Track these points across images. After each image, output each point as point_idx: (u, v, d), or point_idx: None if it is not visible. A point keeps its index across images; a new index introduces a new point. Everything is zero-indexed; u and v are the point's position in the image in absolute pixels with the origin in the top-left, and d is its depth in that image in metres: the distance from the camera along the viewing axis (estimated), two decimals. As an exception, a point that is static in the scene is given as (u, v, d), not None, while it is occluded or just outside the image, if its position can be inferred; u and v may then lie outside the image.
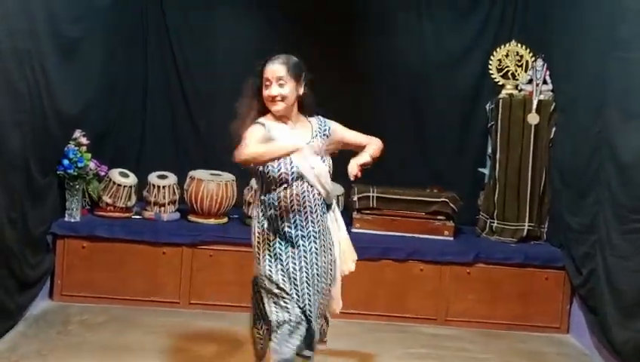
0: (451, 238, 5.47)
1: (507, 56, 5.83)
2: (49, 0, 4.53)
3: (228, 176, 5.44)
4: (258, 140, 3.19)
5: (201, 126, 6.19)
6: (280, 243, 3.32)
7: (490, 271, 5.13)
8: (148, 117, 6.22)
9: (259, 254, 3.36)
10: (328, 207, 3.47)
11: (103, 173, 5.25)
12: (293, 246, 3.30)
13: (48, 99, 4.61)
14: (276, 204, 3.29)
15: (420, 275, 5.10)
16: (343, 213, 5.47)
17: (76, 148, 4.97)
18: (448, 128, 6.26)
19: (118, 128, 6.04)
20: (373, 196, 5.47)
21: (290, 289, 3.26)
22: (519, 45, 5.82)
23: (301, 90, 3.41)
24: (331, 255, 3.44)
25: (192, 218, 5.39)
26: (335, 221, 3.53)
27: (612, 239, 4.32)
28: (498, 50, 5.85)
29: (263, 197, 3.36)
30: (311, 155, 3.31)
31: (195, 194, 5.30)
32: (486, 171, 5.86)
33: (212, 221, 5.34)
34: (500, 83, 5.82)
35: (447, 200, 5.45)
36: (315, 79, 6.08)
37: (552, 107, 5.48)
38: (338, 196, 5.48)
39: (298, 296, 3.26)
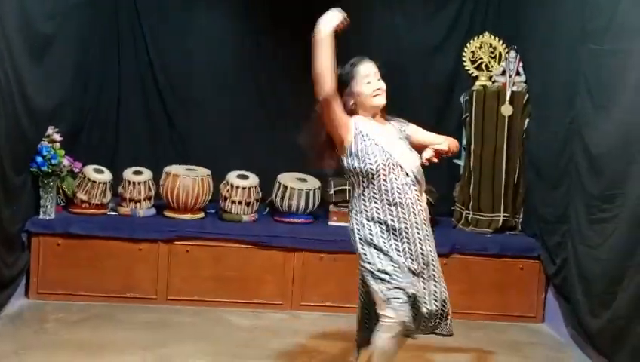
0: (427, 230, 5.49)
1: (480, 48, 5.87)
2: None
3: (204, 171, 5.43)
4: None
5: (177, 121, 6.16)
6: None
7: (466, 262, 5.17)
8: (122, 113, 6.18)
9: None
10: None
11: (77, 170, 5.22)
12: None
13: (20, 96, 4.57)
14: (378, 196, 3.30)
15: (396, 267, 5.12)
16: (319, 207, 5.57)
17: (49, 145, 4.93)
18: (423, 120, 6.16)
19: (92, 124, 6.01)
20: (349, 189, 5.47)
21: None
22: (492, 37, 5.86)
23: None
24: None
25: (168, 214, 5.36)
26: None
27: (582, 228, 4.37)
28: (471, 42, 5.89)
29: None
30: (400, 144, 3.41)
31: (171, 189, 5.28)
32: (461, 163, 5.89)
33: (188, 216, 5.32)
34: (474, 75, 5.86)
35: (423, 192, 5.46)
36: (292, 76, 6.14)
37: (526, 98, 5.53)
38: (315, 190, 5.49)
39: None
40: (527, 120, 5.51)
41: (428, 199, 3.74)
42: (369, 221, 3.32)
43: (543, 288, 5.17)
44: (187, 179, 5.30)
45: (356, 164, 3.32)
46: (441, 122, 6.27)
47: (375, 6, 6.27)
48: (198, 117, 6.19)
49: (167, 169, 5.40)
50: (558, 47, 4.95)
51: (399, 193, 3.30)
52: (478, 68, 5.86)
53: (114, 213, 5.37)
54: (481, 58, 5.85)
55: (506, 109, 5.53)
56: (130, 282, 5.03)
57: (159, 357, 4.09)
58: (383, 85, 3.43)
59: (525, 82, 5.59)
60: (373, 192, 3.31)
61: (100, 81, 6.05)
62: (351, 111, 3.43)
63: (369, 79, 3.41)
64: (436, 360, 4.33)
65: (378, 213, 3.30)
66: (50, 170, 4.91)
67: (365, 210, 3.34)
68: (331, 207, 5.51)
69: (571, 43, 4.70)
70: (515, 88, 5.56)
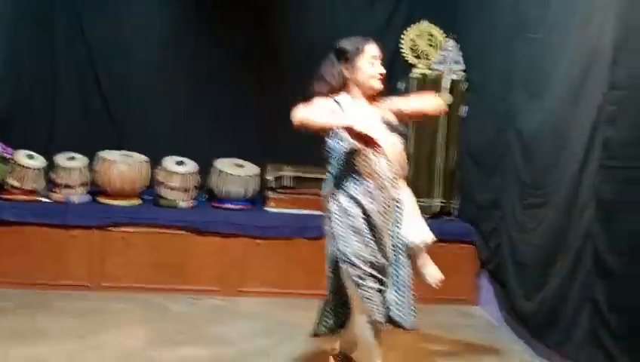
0: (366, 216, 5.53)
1: (419, 36, 5.91)
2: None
3: (140, 157, 5.35)
4: (325, 107, 3.28)
5: (112, 106, 6.06)
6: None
7: (403, 247, 5.21)
8: (57, 98, 6.05)
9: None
10: None
11: (8, 156, 5.07)
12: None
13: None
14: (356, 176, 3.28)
15: (335, 253, 5.14)
16: (258, 193, 5.55)
17: (-20, 130, 4.79)
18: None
19: (26, 110, 5.85)
20: (287, 175, 5.47)
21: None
22: (431, 25, 5.90)
23: None
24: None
25: (102, 200, 5.27)
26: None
27: (515, 214, 4.46)
28: (410, 30, 5.92)
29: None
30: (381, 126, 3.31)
31: (106, 175, 5.19)
32: (399, 149, 5.92)
33: (124, 202, 5.24)
34: (413, 62, 5.90)
35: (361, 178, 5.49)
36: (230, 62, 6.09)
37: (464, 86, 5.59)
38: (253, 176, 5.47)
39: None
40: (464, 107, 5.58)
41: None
42: (348, 201, 3.29)
43: (478, 272, 5.26)
44: (123, 165, 5.21)
45: (338, 144, 3.30)
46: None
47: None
48: (134, 102, 6.09)
49: (102, 154, 5.30)
50: (496, 37, 5.02)
51: (379, 176, 3.28)
52: (417, 56, 5.90)
53: (46, 199, 5.24)
54: (420, 46, 5.89)
55: (445, 97, 5.58)
56: (63, 269, 4.93)
57: (95, 344, 4.02)
58: (383, 70, 3.41)
59: (464, 71, 5.65)
60: (352, 172, 3.29)
61: (34, 65, 5.90)
62: (342, 84, 3.41)
63: (375, 60, 3.41)
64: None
65: (357, 194, 3.27)
66: (-20, 156, 4.78)
67: (344, 190, 3.30)
68: (269, 193, 5.50)
69: (508, 32, 4.78)
70: (453, 76, 5.62)
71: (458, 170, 5.62)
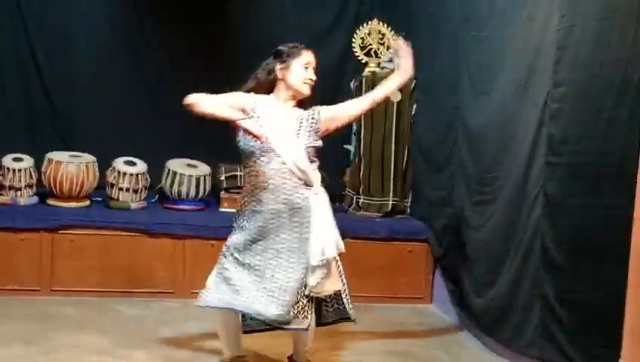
0: (319, 215, 5.53)
1: (370, 34, 5.94)
2: None
3: (88, 158, 5.27)
4: (235, 105, 3.45)
5: (59, 106, 5.95)
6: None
7: (356, 246, 5.19)
8: (1, 98, 5.90)
9: None
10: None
11: (-48, 157, 4.95)
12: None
13: None
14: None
15: (288, 252, 5.13)
16: (210, 193, 5.51)
17: None
18: (313, 105, 6.29)
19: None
20: (240, 175, 5.44)
21: None
22: (381, 23, 5.94)
23: None
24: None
25: (51, 202, 5.17)
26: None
27: (465, 211, 4.52)
28: (360, 28, 5.95)
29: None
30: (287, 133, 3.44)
31: (54, 176, 5.10)
32: (351, 148, 5.96)
33: (73, 204, 5.15)
34: (364, 61, 5.92)
35: (314, 177, 5.49)
36: (179, 61, 6.03)
37: (413, 85, 5.63)
38: (205, 176, 5.43)
39: None
40: (414, 106, 5.63)
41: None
42: (244, 197, 3.52)
43: (431, 270, 5.30)
44: (71, 166, 5.13)
45: (241, 142, 3.45)
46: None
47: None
48: (82, 102, 6.00)
49: (50, 155, 5.21)
50: (443, 34, 5.08)
51: (270, 178, 3.38)
52: (368, 54, 5.93)
53: (-9, 202, 5.13)
54: (371, 44, 5.92)
55: (394, 95, 5.60)
56: (11, 273, 4.83)
57: (45, 349, 3.94)
58: (314, 78, 3.56)
59: (413, 68, 5.69)
60: (250, 172, 3.45)
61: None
62: (270, 82, 3.54)
63: (309, 66, 3.54)
64: (326, 343, 4.36)
65: (250, 194, 3.46)
66: None
67: (245, 189, 3.53)
68: (222, 193, 5.47)
69: (454, 30, 4.84)
70: (403, 74, 5.65)
71: (410, 168, 5.66)
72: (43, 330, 4.22)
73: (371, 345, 4.42)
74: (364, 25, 5.95)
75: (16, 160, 5.18)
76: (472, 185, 4.41)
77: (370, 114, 5.64)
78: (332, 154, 6.20)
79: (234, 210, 5.29)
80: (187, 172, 5.36)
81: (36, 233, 4.84)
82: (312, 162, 3.56)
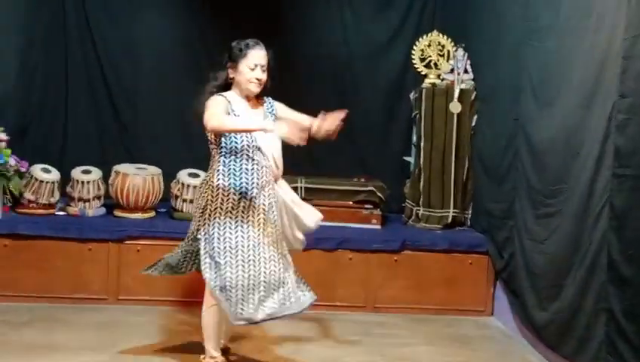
0: (379, 226, 5.55)
1: (429, 45, 5.94)
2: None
3: (154, 170, 5.39)
4: (224, 111, 3.57)
5: (126, 120, 6.11)
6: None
7: (416, 258, 5.23)
8: (70, 110, 6.11)
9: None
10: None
11: (24, 170, 5.12)
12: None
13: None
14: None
15: (349, 264, 5.16)
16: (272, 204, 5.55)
17: (-5, 144, 4.84)
18: (374, 118, 6.34)
19: (39, 123, 5.92)
20: (301, 186, 5.49)
21: None
22: (441, 35, 5.94)
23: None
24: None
25: (118, 213, 5.31)
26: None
27: (527, 223, 4.46)
28: (420, 40, 5.96)
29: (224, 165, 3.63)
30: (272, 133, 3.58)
31: (121, 188, 5.23)
32: (411, 160, 5.96)
33: (139, 215, 5.27)
34: (423, 72, 5.93)
35: (374, 189, 5.52)
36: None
37: (473, 96, 5.61)
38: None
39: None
40: (475, 117, 5.60)
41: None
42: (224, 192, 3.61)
43: (492, 282, 5.25)
44: (137, 178, 5.25)
45: (224, 139, 3.62)
46: (391, 120, 6.36)
47: (324, 3, 6.31)
48: (147, 115, 6.14)
49: (117, 168, 5.34)
50: (504, 45, 5.04)
51: (257, 175, 3.60)
52: (427, 66, 5.93)
53: (62, 213, 5.29)
54: (430, 56, 5.92)
55: (455, 107, 5.61)
56: (79, 283, 4.96)
57: (111, 357, 4.05)
58: (263, 77, 3.68)
59: (473, 80, 5.67)
60: (234, 168, 3.59)
61: (46, 78, 5.96)
62: (227, 84, 3.72)
63: (255, 67, 3.65)
64: (388, 355, 4.37)
65: (235, 187, 3.59)
66: (-5, 170, 4.83)
67: (222, 184, 3.61)
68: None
69: (517, 41, 4.79)
70: (463, 86, 5.64)
71: (470, 179, 5.63)
72: (111, 339, 4.32)
73: (432, 357, 4.41)
74: (424, 37, 5.95)
75: (84, 172, 5.34)
76: (535, 197, 4.35)
77: (430, 125, 5.64)
78: (392, 165, 6.25)
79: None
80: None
81: (104, 243, 4.97)
82: None
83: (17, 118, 5.47)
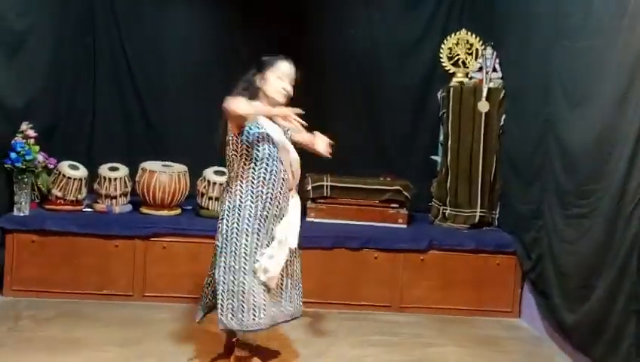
0: (405, 226, 5.52)
1: (457, 44, 5.89)
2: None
3: (180, 168, 5.40)
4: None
5: (152, 117, 6.14)
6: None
7: (443, 258, 5.19)
8: (98, 108, 6.17)
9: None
10: None
11: (52, 166, 5.17)
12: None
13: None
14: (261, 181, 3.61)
15: (374, 263, 5.13)
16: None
17: (23, 141, 4.87)
18: (400, 116, 6.31)
19: (67, 120, 5.95)
20: (327, 185, 5.48)
21: None
22: (469, 33, 5.89)
23: None
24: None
25: (144, 210, 5.33)
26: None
27: (557, 224, 4.40)
28: (448, 38, 5.91)
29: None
30: (287, 142, 3.72)
31: (147, 185, 5.25)
32: (438, 159, 5.91)
33: (165, 213, 5.29)
34: (451, 71, 5.88)
35: (400, 188, 5.49)
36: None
37: (502, 95, 5.56)
38: (312, 187, 5.50)
39: None
40: (503, 116, 5.54)
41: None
42: (247, 200, 3.61)
43: (520, 283, 5.20)
44: (163, 175, 5.27)
45: (245, 147, 3.60)
46: (419, 118, 6.32)
47: (352, 4, 6.29)
48: (174, 113, 6.17)
49: (144, 165, 5.36)
50: (534, 44, 4.98)
51: (273, 185, 3.61)
52: (455, 64, 5.88)
53: (89, 210, 5.33)
54: (458, 55, 5.88)
55: (483, 106, 5.55)
56: (106, 279, 4.99)
57: (136, 354, 4.06)
58: (290, 89, 3.72)
59: (502, 78, 5.62)
60: (253, 176, 3.60)
61: (75, 76, 6.02)
62: (254, 92, 3.70)
63: (284, 78, 3.71)
64: (415, 355, 4.34)
65: (249, 197, 3.60)
66: (24, 166, 4.86)
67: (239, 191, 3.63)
68: (309, 203, 5.51)
69: (546, 40, 4.73)
70: (491, 85, 5.59)
71: (498, 179, 5.57)
72: (134, 335, 4.34)
73: (458, 358, 4.37)
74: (452, 35, 5.91)
75: (112, 169, 5.37)
76: (566, 198, 4.28)
77: (458, 124, 5.60)
78: (418, 164, 6.21)
79: (320, 220, 5.44)
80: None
81: (130, 240, 4.98)
82: None
83: (46, 115, 5.50)
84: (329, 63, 6.20)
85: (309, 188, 5.49)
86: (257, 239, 3.58)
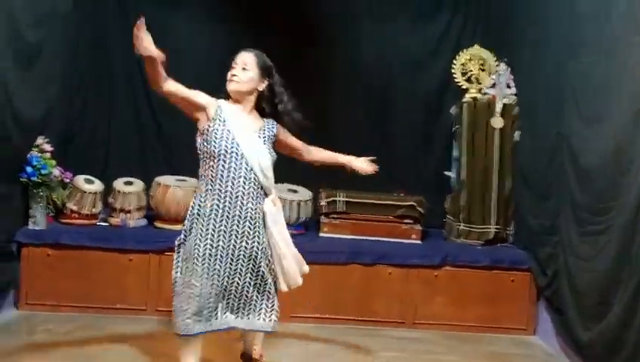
0: (419, 241, 5.51)
1: (470, 60, 5.89)
2: (9, 4, 4.47)
3: (194, 182, 5.40)
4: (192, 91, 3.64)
5: (167, 131, 6.17)
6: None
7: (457, 274, 5.17)
8: (113, 123, 6.21)
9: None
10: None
11: (67, 180, 5.19)
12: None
13: (8, 105, 4.57)
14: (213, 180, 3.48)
15: (388, 279, 5.12)
16: (310, 218, 5.56)
17: (39, 155, 4.91)
18: (413, 132, 6.32)
19: (82, 134, 6.00)
20: (340, 200, 5.48)
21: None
22: (482, 49, 5.89)
23: (262, 87, 3.67)
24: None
25: (158, 224, 5.35)
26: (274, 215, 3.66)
27: (572, 240, 4.38)
28: (461, 54, 5.91)
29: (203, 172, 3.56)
30: (254, 139, 3.56)
31: (162, 200, 5.27)
32: (452, 174, 5.91)
33: (179, 227, 5.24)
34: (464, 87, 5.88)
35: (414, 203, 5.49)
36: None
37: (516, 110, 5.55)
38: (305, 201, 5.49)
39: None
40: (517, 132, 5.53)
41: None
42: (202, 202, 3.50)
43: (535, 300, 5.16)
44: (178, 190, 5.29)
45: (204, 144, 3.52)
46: (431, 133, 6.32)
47: (364, 18, 6.32)
48: (188, 128, 6.16)
49: (158, 179, 5.39)
50: (547, 60, 4.98)
51: (232, 183, 3.46)
52: (468, 80, 5.88)
53: (104, 224, 5.35)
54: (471, 70, 5.88)
55: (497, 121, 5.55)
56: (120, 293, 5.00)
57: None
58: (238, 73, 3.59)
59: (515, 94, 5.61)
60: (211, 174, 3.48)
61: (89, 91, 6.06)
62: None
63: (234, 65, 3.63)
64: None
65: (208, 196, 3.48)
66: (40, 180, 4.89)
67: (201, 191, 3.53)
68: (322, 218, 5.51)
69: (559, 55, 4.74)
70: (505, 100, 5.58)
71: (512, 195, 5.55)
72: (147, 349, 4.34)
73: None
74: (465, 51, 5.91)
75: (126, 183, 5.40)
76: (581, 214, 4.26)
77: (472, 139, 5.60)
78: (431, 180, 6.20)
79: (334, 235, 5.44)
80: (288, 197, 5.43)
81: (144, 254, 5.00)
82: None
83: (62, 129, 5.54)
84: (340, 77, 6.23)
85: (323, 203, 5.50)
86: (211, 240, 3.46)
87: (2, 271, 4.65)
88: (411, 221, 5.52)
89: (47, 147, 4.98)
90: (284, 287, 3.71)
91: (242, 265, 3.53)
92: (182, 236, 3.60)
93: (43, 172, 4.88)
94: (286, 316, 5.00)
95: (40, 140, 4.97)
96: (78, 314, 4.89)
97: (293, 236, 5.31)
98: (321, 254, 5.08)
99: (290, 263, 3.70)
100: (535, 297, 5.15)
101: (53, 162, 5.00)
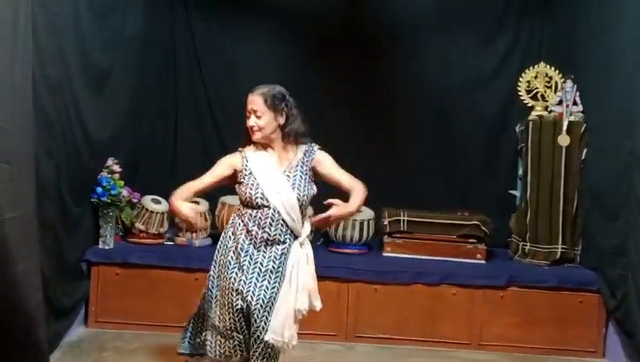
0: (483, 261, 5.44)
1: (536, 77, 5.81)
2: (79, 30, 4.61)
3: (258, 202, 5.46)
4: (219, 170, 3.70)
5: (231, 151, 6.24)
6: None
7: (523, 295, 5.08)
8: (179, 144, 6.33)
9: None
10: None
11: (135, 200, 5.31)
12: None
13: (80, 128, 4.70)
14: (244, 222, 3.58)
15: (452, 299, 5.07)
16: (373, 237, 5.55)
17: (109, 175, 5.04)
18: (477, 150, 6.26)
19: (149, 155, 6.14)
20: (404, 220, 5.45)
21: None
22: (548, 66, 5.80)
23: (281, 120, 3.62)
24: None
25: (223, 244, 5.41)
26: (305, 256, 3.64)
27: (644, 261, 4.27)
28: (527, 71, 5.84)
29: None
30: (282, 183, 3.54)
31: (226, 219, 5.31)
32: (517, 193, 5.82)
33: (243, 246, 5.34)
34: (530, 104, 5.80)
35: (478, 223, 5.42)
36: (345, 105, 6.16)
37: (583, 128, 5.44)
38: (369, 220, 5.48)
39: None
40: (584, 150, 5.42)
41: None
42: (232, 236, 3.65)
43: (604, 322, 5.03)
44: (242, 210, 5.34)
45: (239, 192, 3.62)
46: (496, 152, 6.25)
47: (428, 35, 6.30)
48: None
49: (223, 199, 5.46)
50: (616, 76, 4.88)
51: (260, 226, 3.53)
52: (534, 97, 5.80)
53: (171, 243, 5.45)
54: (537, 88, 5.79)
55: (563, 139, 5.45)
56: (186, 312, 4.99)
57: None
58: (255, 122, 3.57)
59: (582, 112, 5.50)
60: (244, 218, 3.58)
61: (156, 112, 6.21)
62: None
63: (248, 114, 3.61)
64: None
65: (240, 235, 3.60)
66: (109, 201, 5.02)
67: (234, 228, 3.65)
68: (385, 238, 5.50)
69: (629, 71, 4.64)
70: (572, 118, 5.48)
71: (580, 214, 5.43)
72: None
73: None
74: (531, 68, 5.83)
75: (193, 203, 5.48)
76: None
77: (537, 158, 5.51)
78: (496, 199, 6.12)
79: (397, 255, 5.41)
80: (352, 216, 5.43)
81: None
82: (304, 209, 3.62)
83: (130, 150, 5.68)
84: (402, 96, 6.22)
85: (386, 222, 5.47)
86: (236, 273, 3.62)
87: (73, 289, 4.77)
88: (475, 240, 5.45)
89: (117, 168, 5.11)
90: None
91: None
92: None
93: (112, 192, 5.01)
94: (351, 336, 5.04)
95: (110, 161, 5.10)
96: (146, 332, 4.98)
97: (356, 255, 5.38)
98: (385, 274, 5.08)
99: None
100: (604, 319, 5.02)
101: (122, 183, 5.12)
